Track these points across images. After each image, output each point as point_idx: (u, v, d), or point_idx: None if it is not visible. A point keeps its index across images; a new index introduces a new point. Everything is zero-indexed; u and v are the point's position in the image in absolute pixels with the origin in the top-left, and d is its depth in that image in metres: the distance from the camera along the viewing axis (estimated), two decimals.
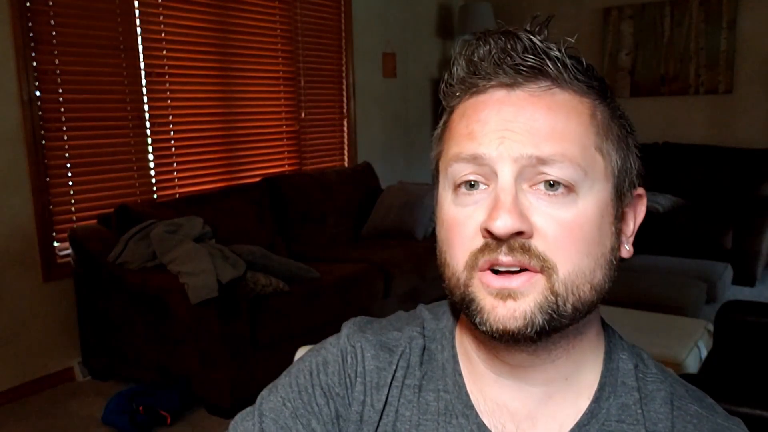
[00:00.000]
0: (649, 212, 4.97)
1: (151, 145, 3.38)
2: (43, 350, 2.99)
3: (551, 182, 0.53)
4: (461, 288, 0.56)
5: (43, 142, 2.92)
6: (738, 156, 4.61)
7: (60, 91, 2.97)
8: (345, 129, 4.66)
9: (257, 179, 3.82)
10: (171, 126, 3.48)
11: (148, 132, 3.36)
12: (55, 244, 3.01)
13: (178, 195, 3.51)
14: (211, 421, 2.62)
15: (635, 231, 0.61)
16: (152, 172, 3.41)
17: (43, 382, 2.97)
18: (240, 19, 3.79)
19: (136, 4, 3.22)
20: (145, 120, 3.33)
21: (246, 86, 3.89)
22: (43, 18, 2.88)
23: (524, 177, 0.53)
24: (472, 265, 0.54)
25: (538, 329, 0.53)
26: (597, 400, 0.60)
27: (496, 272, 0.54)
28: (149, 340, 2.79)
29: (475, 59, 0.56)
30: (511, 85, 0.55)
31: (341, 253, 3.61)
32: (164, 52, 3.40)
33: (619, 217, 0.58)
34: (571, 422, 0.59)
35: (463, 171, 0.55)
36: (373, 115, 4.85)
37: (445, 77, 0.59)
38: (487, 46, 0.55)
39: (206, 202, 3.34)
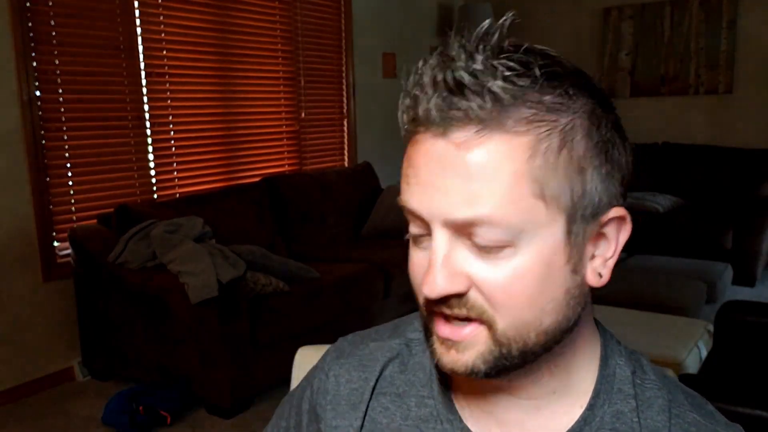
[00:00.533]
0: (649, 212, 4.96)
1: (151, 145, 3.38)
2: (43, 350, 2.99)
3: (486, 239, 0.50)
4: (424, 320, 0.57)
5: (43, 142, 2.92)
6: (738, 156, 4.61)
7: (60, 91, 2.97)
8: (345, 129, 4.67)
9: (257, 179, 3.82)
10: (171, 126, 3.49)
11: (148, 132, 3.36)
12: (55, 244, 3.01)
13: (178, 195, 3.51)
14: (211, 421, 2.62)
15: (616, 255, 0.55)
16: (152, 172, 3.41)
17: (43, 382, 2.98)
18: (240, 20, 3.79)
19: (136, 4, 3.23)
20: (145, 120, 3.33)
21: (246, 86, 3.89)
22: (43, 18, 2.89)
23: (458, 233, 0.51)
24: (426, 308, 0.56)
25: (483, 376, 0.54)
26: (591, 407, 0.59)
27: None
28: (149, 340, 2.79)
29: (414, 93, 0.51)
30: (440, 134, 0.50)
31: (341, 253, 3.61)
32: (164, 52, 3.40)
33: (581, 253, 0.53)
34: (563, 430, 0.59)
35: (409, 218, 0.55)
36: (373, 115, 4.86)
37: (399, 103, 0.55)
38: (422, 79, 0.50)
39: (206, 202, 3.34)
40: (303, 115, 4.28)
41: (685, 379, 1.71)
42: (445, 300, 0.52)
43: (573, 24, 5.37)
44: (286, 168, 4.22)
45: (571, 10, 5.36)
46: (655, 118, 5.15)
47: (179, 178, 3.54)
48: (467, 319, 0.53)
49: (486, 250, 0.50)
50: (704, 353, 2.34)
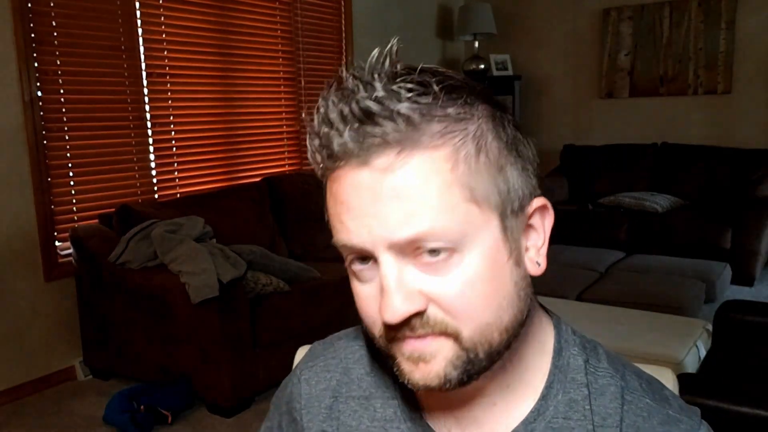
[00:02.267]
0: (648, 212, 4.94)
1: (152, 145, 3.39)
2: (44, 349, 3.00)
3: (432, 249, 0.51)
4: (383, 348, 0.58)
5: (45, 142, 2.93)
6: (736, 156, 4.62)
7: (61, 91, 2.98)
8: None
9: (258, 179, 3.83)
10: (172, 126, 3.50)
11: (149, 132, 3.37)
12: (57, 243, 3.02)
13: (178, 195, 3.52)
14: (212, 420, 2.63)
15: (547, 242, 0.58)
16: (153, 172, 3.42)
17: (44, 381, 2.99)
18: (240, 20, 3.80)
19: (137, 5, 3.23)
20: (146, 120, 3.34)
21: (246, 86, 3.90)
22: (45, 19, 2.89)
23: (404, 253, 0.52)
24: (386, 336, 0.56)
25: (456, 384, 0.54)
26: (544, 397, 0.60)
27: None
28: (150, 340, 2.80)
29: (324, 130, 0.52)
30: (362, 164, 0.51)
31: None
32: (165, 52, 3.41)
33: (519, 245, 0.56)
34: (517, 421, 0.60)
35: (348, 253, 0.55)
36: None
37: (308, 145, 0.56)
38: (329, 116, 0.52)
39: (207, 202, 3.35)
40: (303, 115, 4.28)
41: (684, 378, 1.72)
42: (407, 322, 0.52)
43: (573, 24, 5.38)
44: (287, 168, 4.23)
45: (571, 10, 5.36)
46: (654, 119, 5.16)
47: (180, 178, 3.55)
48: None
49: (434, 265, 0.52)
50: (703, 353, 2.35)
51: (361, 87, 0.51)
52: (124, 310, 2.86)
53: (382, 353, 0.59)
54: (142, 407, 2.52)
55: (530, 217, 0.56)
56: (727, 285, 3.81)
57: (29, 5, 2.81)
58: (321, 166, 0.55)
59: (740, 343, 2.09)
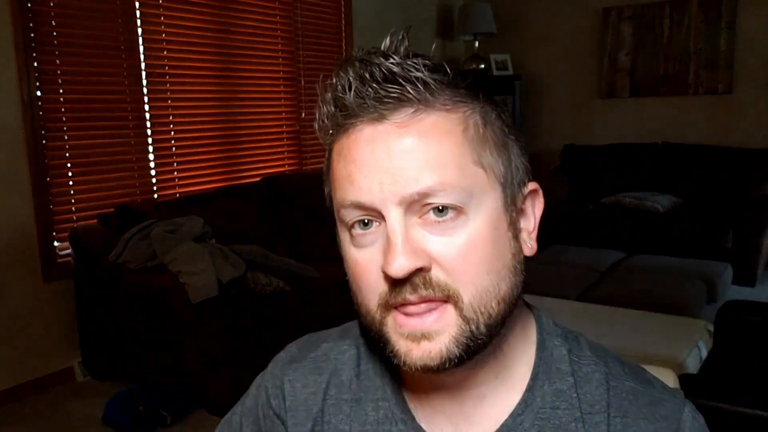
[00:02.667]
0: (649, 212, 4.93)
1: (151, 145, 3.39)
2: (43, 350, 2.99)
3: (439, 207, 0.53)
4: (376, 326, 0.57)
5: (44, 142, 2.92)
6: (737, 156, 4.62)
7: (61, 91, 2.98)
8: None
9: (257, 179, 3.82)
10: (171, 126, 3.49)
11: (149, 132, 3.36)
12: (56, 243, 3.02)
13: (178, 195, 3.52)
14: (212, 421, 2.63)
15: (537, 226, 0.61)
16: (153, 172, 3.41)
17: (43, 382, 2.98)
18: (240, 20, 3.79)
19: (136, 4, 3.23)
20: (146, 120, 3.34)
21: (246, 86, 3.90)
22: (44, 19, 2.89)
23: (412, 211, 0.53)
24: (384, 305, 0.56)
25: (457, 361, 0.55)
26: (531, 389, 0.61)
27: (408, 305, 0.55)
28: (149, 340, 2.80)
29: (339, 94, 0.55)
30: (377, 119, 0.54)
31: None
32: (165, 52, 3.41)
33: (516, 220, 0.58)
34: (506, 414, 0.61)
35: (352, 215, 0.56)
36: None
37: (317, 115, 0.58)
38: (347, 78, 0.54)
39: (206, 201, 3.34)
40: (303, 115, 4.28)
41: (686, 379, 1.71)
42: (409, 281, 0.53)
43: (573, 24, 5.37)
44: (286, 168, 4.22)
45: (571, 10, 5.36)
46: (654, 118, 5.15)
47: (179, 178, 3.55)
48: (431, 303, 0.54)
49: (440, 225, 0.53)
50: (704, 353, 2.34)
51: (377, 58, 0.54)
52: (124, 310, 2.85)
53: (373, 335, 0.58)
54: (141, 408, 2.52)
55: (524, 199, 0.60)
56: (729, 285, 3.80)
57: (29, 5, 2.81)
58: (331, 132, 0.57)
59: (742, 344, 2.08)
